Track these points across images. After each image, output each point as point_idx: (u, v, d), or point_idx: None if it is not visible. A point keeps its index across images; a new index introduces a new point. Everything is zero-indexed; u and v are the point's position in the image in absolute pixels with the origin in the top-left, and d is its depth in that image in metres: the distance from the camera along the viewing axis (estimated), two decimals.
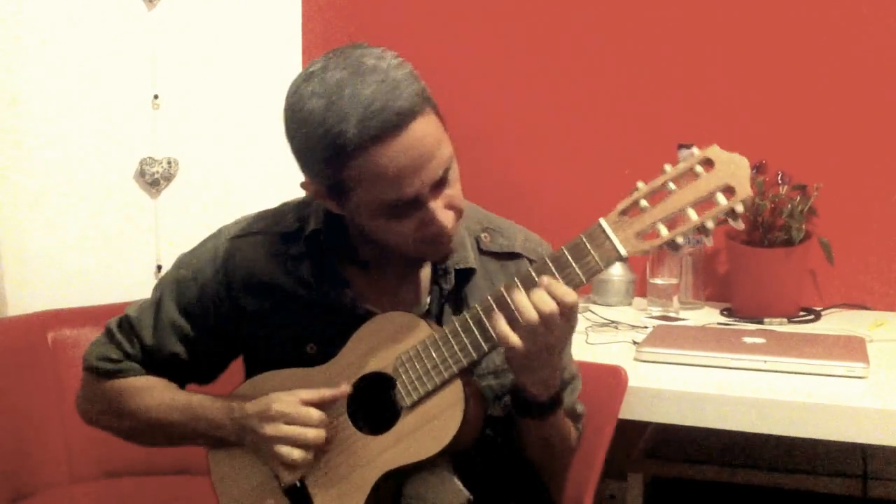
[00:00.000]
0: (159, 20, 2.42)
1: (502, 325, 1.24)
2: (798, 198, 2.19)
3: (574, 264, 1.24)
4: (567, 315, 1.23)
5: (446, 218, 1.27)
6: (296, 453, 1.32)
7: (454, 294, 1.40)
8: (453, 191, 1.29)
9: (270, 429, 1.33)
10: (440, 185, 1.26)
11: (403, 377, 1.31)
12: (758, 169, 2.19)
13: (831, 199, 2.22)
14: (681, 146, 2.24)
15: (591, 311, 2.26)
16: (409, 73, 1.23)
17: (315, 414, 1.33)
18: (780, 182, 2.22)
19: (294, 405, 1.33)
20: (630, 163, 2.42)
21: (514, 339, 1.24)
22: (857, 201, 2.30)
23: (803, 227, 2.19)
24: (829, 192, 2.21)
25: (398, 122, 1.19)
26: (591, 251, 1.23)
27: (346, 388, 1.34)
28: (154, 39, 2.42)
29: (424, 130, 1.22)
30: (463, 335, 1.28)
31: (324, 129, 1.20)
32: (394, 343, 1.32)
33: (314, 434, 1.32)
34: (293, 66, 2.45)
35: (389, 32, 2.61)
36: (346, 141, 1.19)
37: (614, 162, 2.45)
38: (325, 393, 1.34)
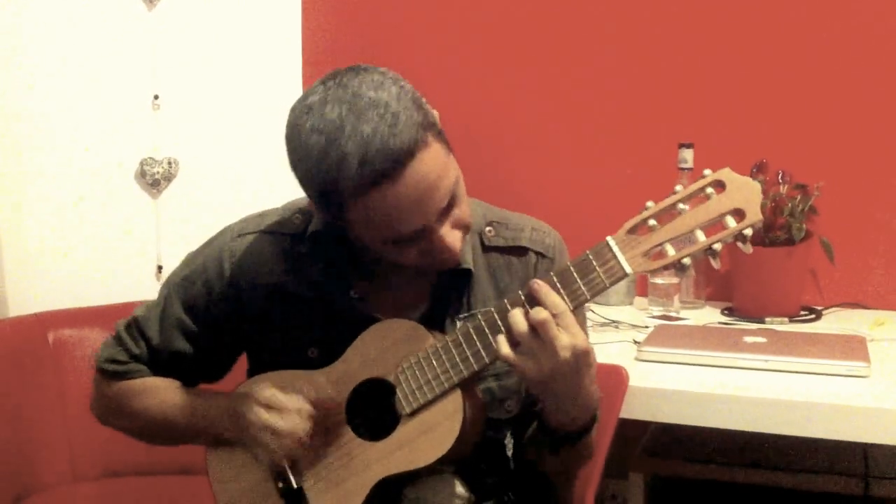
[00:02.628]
0: (159, 20, 2.42)
1: (500, 341, 1.24)
2: (799, 197, 2.19)
3: (579, 281, 1.23)
4: (564, 326, 1.21)
5: (454, 239, 1.27)
6: (269, 439, 1.33)
7: (456, 295, 1.39)
8: (460, 210, 1.28)
9: (252, 415, 1.34)
10: (447, 209, 1.25)
11: (403, 385, 1.31)
12: (758, 168, 2.18)
13: (832, 198, 2.22)
14: (681, 145, 2.24)
15: (591, 310, 2.26)
16: (409, 102, 1.20)
17: (291, 402, 1.32)
18: (780, 181, 2.22)
19: (269, 392, 1.33)
20: (631, 162, 2.43)
21: (509, 353, 1.23)
22: (858, 200, 2.30)
23: (804, 226, 2.19)
24: (829, 192, 2.21)
25: (398, 161, 1.17)
26: (597, 268, 1.22)
27: (339, 401, 1.34)
28: (154, 39, 2.42)
29: (426, 166, 1.20)
30: (464, 345, 1.28)
31: (324, 169, 1.19)
32: (395, 350, 1.32)
33: (288, 423, 1.32)
34: (293, 66, 2.45)
35: (391, 35, 2.61)
36: (348, 183, 1.18)
37: (615, 161, 2.46)
38: (316, 395, 1.34)
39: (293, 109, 1.25)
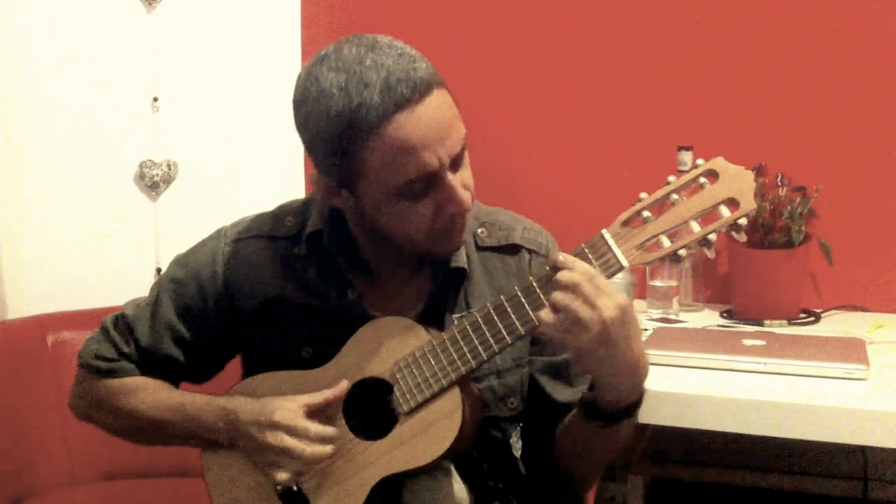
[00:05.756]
0: (158, 23, 2.42)
1: (543, 314, 1.21)
2: (798, 199, 2.19)
3: None
4: (599, 286, 1.18)
5: (465, 195, 1.27)
6: (294, 465, 1.32)
7: (453, 294, 1.39)
8: (468, 173, 1.29)
9: (272, 437, 1.32)
10: (457, 163, 1.26)
11: (401, 384, 1.31)
12: (757, 170, 2.18)
13: (831, 200, 2.22)
14: (680, 148, 2.24)
15: None
16: (421, 55, 1.25)
17: (313, 429, 1.31)
18: (779, 184, 2.22)
19: (296, 417, 1.31)
20: (630, 164, 2.43)
21: (553, 320, 1.20)
22: (857, 203, 2.30)
23: (803, 228, 2.19)
24: (828, 194, 2.21)
25: (420, 88, 1.21)
26: (593, 261, 1.22)
27: (344, 384, 1.33)
28: (153, 42, 2.42)
29: (443, 104, 1.24)
30: (461, 342, 1.28)
31: (345, 101, 1.20)
32: (392, 348, 1.32)
33: (311, 451, 1.31)
34: (292, 69, 2.45)
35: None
36: (370, 109, 1.20)
37: (614, 163, 2.45)
38: (327, 394, 1.33)
39: (303, 69, 1.26)
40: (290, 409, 1.32)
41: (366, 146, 1.22)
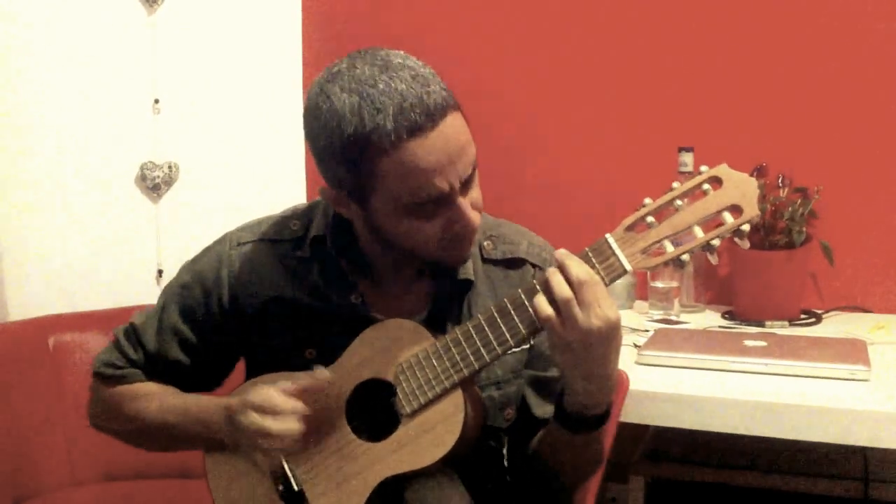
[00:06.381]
0: (160, 24, 2.42)
1: (541, 302, 1.21)
2: (799, 200, 2.20)
3: None
4: (596, 296, 1.19)
5: (474, 216, 1.28)
6: (263, 442, 1.30)
7: (457, 304, 1.39)
8: (478, 193, 1.30)
9: (244, 418, 1.30)
10: (468, 185, 1.27)
11: (404, 385, 1.31)
12: (759, 172, 2.19)
13: (832, 201, 2.22)
14: (681, 149, 2.24)
15: None
16: (434, 73, 1.25)
17: (279, 401, 1.29)
18: (780, 185, 2.22)
19: (264, 395, 1.30)
20: (631, 166, 2.43)
21: (550, 313, 1.20)
22: (858, 204, 2.30)
23: (804, 229, 2.19)
24: (829, 195, 2.21)
25: (434, 114, 1.20)
26: (597, 265, 1.23)
27: (326, 373, 1.31)
28: (154, 43, 2.42)
29: (456, 128, 1.23)
30: (464, 344, 1.28)
31: (357, 125, 1.20)
32: (395, 350, 1.32)
33: (279, 426, 1.28)
34: (293, 71, 2.45)
35: (391, 38, 2.61)
36: (383, 135, 1.19)
37: (615, 165, 2.46)
38: (304, 380, 1.30)
39: (314, 82, 1.26)
40: (263, 390, 1.31)
41: (377, 166, 1.22)
